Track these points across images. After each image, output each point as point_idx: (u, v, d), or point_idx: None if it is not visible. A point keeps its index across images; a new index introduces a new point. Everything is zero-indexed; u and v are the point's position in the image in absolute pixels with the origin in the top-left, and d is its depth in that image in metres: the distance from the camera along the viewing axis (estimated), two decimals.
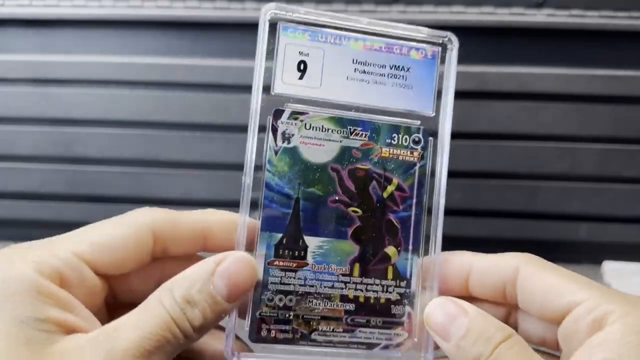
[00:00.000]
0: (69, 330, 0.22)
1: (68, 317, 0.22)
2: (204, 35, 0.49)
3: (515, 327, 0.27)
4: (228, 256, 0.24)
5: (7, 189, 0.52)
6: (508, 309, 0.28)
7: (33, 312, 0.21)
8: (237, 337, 0.26)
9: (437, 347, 0.26)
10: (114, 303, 0.27)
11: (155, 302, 0.23)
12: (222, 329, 0.27)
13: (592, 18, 0.47)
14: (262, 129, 0.26)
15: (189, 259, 0.26)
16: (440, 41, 0.28)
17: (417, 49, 0.28)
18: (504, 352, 0.23)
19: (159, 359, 0.22)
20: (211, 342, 0.27)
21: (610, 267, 0.49)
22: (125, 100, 0.50)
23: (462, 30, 0.48)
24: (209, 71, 0.49)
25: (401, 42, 0.28)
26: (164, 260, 0.27)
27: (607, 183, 0.49)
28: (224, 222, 0.27)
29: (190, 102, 0.49)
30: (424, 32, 0.28)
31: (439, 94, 0.28)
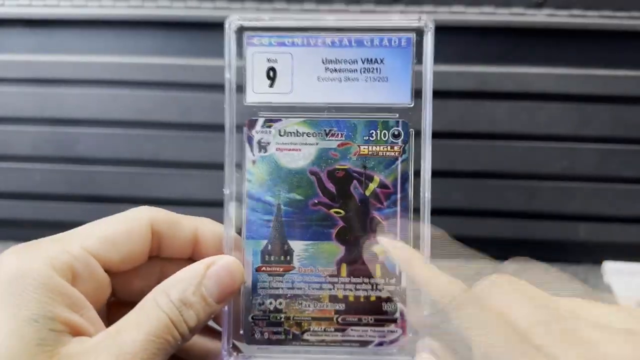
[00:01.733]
0: (75, 331, 0.22)
1: (76, 318, 0.22)
2: (204, 35, 0.49)
3: None
4: (217, 260, 0.25)
5: (7, 189, 0.52)
6: None
7: (45, 311, 0.21)
8: (233, 340, 0.27)
9: None
10: (114, 302, 0.27)
11: (152, 305, 0.23)
12: (211, 330, 0.28)
13: (592, 18, 0.47)
14: (238, 139, 0.27)
15: (184, 262, 0.26)
16: (414, 25, 0.26)
17: (389, 39, 0.26)
18: None
19: (161, 359, 0.22)
20: (199, 341, 0.28)
21: (610, 267, 0.49)
22: (124, 100, 0.50)
23: (462, 30, 0.49)
24: (209, 71, 0.49)
25: (372, 34, 0.26)
26: (163, 261, 0.27)
27: (606, 183, 0.49)
28: (216, 233, 0.27)
29: (190, 102, 0.49)
30: (394, 19, 0.26)
31: (418, 82, 0.26)
